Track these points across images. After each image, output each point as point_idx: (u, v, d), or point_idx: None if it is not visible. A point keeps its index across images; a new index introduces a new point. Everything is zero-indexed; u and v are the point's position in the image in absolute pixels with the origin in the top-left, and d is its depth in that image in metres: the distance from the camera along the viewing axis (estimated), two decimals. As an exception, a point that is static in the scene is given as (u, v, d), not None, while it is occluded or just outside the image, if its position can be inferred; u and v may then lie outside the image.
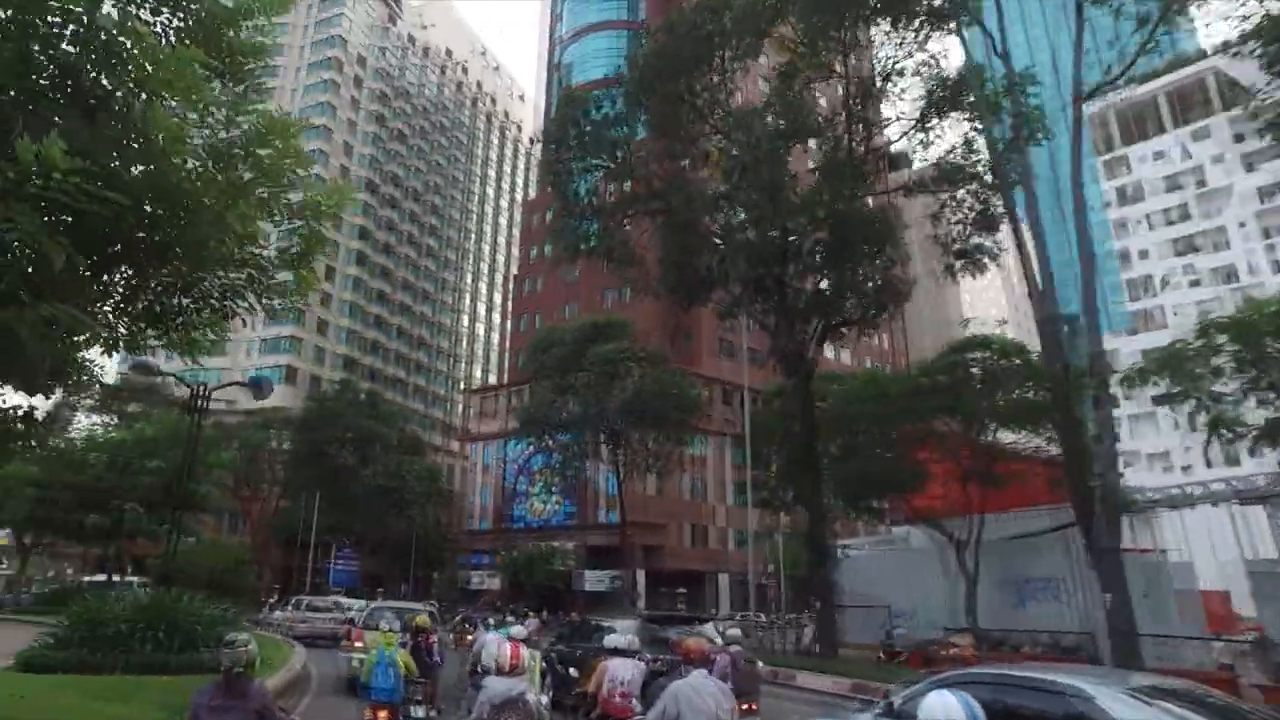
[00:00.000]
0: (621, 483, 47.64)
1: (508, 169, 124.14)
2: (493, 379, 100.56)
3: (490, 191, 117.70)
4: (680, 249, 25.17)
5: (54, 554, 50.40)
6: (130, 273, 8.91)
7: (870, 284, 22.95)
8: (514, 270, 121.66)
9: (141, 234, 8.35)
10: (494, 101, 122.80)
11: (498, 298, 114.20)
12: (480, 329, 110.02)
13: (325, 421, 51.75)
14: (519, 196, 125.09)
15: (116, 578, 37.20)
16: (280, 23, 72.41)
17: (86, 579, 44.04)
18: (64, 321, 7.64)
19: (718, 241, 24.58)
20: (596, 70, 75.06)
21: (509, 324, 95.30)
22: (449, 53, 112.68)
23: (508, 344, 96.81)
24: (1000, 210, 22.41)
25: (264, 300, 9.68)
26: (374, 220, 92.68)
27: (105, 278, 8.92)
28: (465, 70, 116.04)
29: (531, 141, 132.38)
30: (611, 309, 67.80)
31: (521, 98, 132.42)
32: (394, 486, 49.73)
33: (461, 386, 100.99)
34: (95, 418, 53.48)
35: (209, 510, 34.23)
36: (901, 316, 26.18)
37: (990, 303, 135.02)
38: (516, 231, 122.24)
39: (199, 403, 16.75)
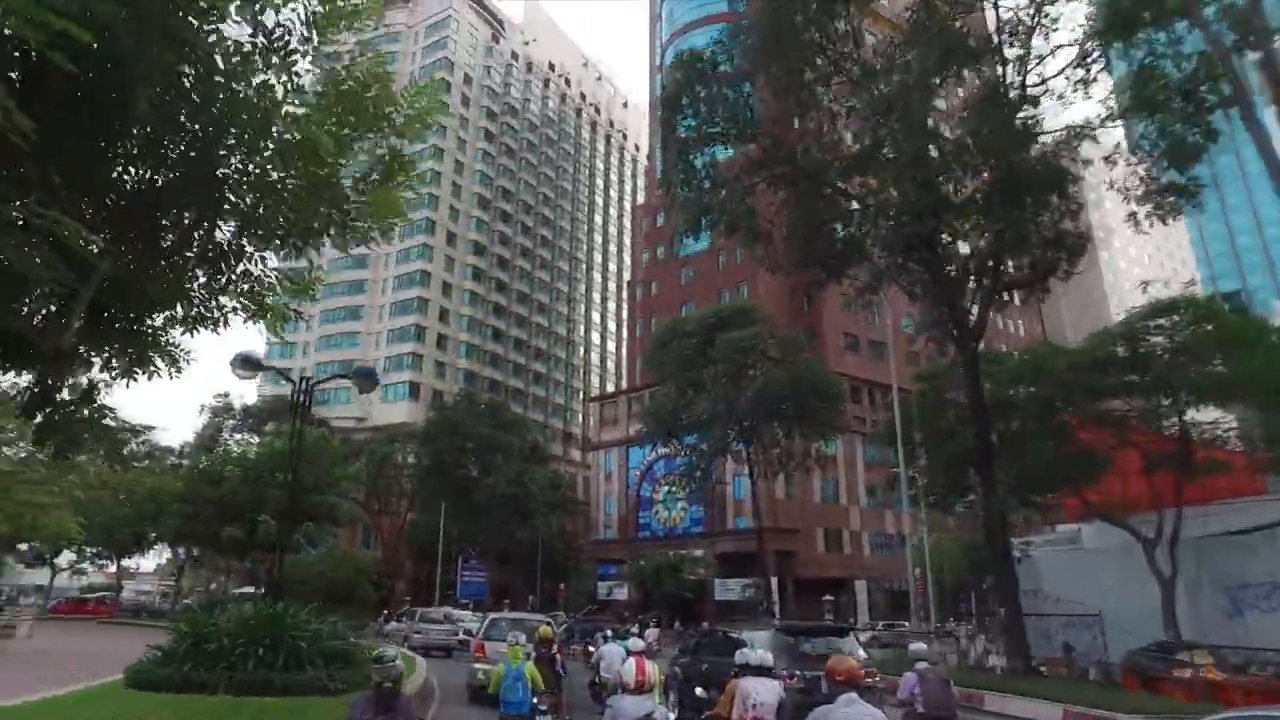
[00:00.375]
0: (757, 483, 44.57)
1: (615, 177, 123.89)
2: (613, 387, 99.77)
3: (600, 200, 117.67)
4: (812, 218, 22.51)
5: (211, 567, 52.62)
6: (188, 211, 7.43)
7: (1042, 236, 19.57)
8: (628, 277, 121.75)
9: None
10: (599, 110, 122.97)
11: (613, 305, 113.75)
12: (597, 337, 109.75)
13: (447, 432, 51.73)
14: (629, 204, 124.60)
15: (261, 590, 38.31)
16: (391, 50, 74.42)
17: (236, 591, 45.65)
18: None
19: (855, 207, 21.74)
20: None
21: (626, 331, 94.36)
22: (553, 66, 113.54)
23: (625, 350, 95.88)
24: (1197, 138, 18.63)
25: (347, 235, 8.06)
26: (488, 235, 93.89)
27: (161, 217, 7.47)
28: (570, 82, 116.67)
29: (637, 148, 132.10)
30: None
31: (626, 104, 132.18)
32: (517, 495, 48.88)
33: (582, 395, 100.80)
34: (240, 436, 55.79)
35: (338, 522, 34.17)
36: (1038, 300, 22.35)
37: (1137, 280, 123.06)
38: (629, 239, 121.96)
39: (300, 397, 15.62)
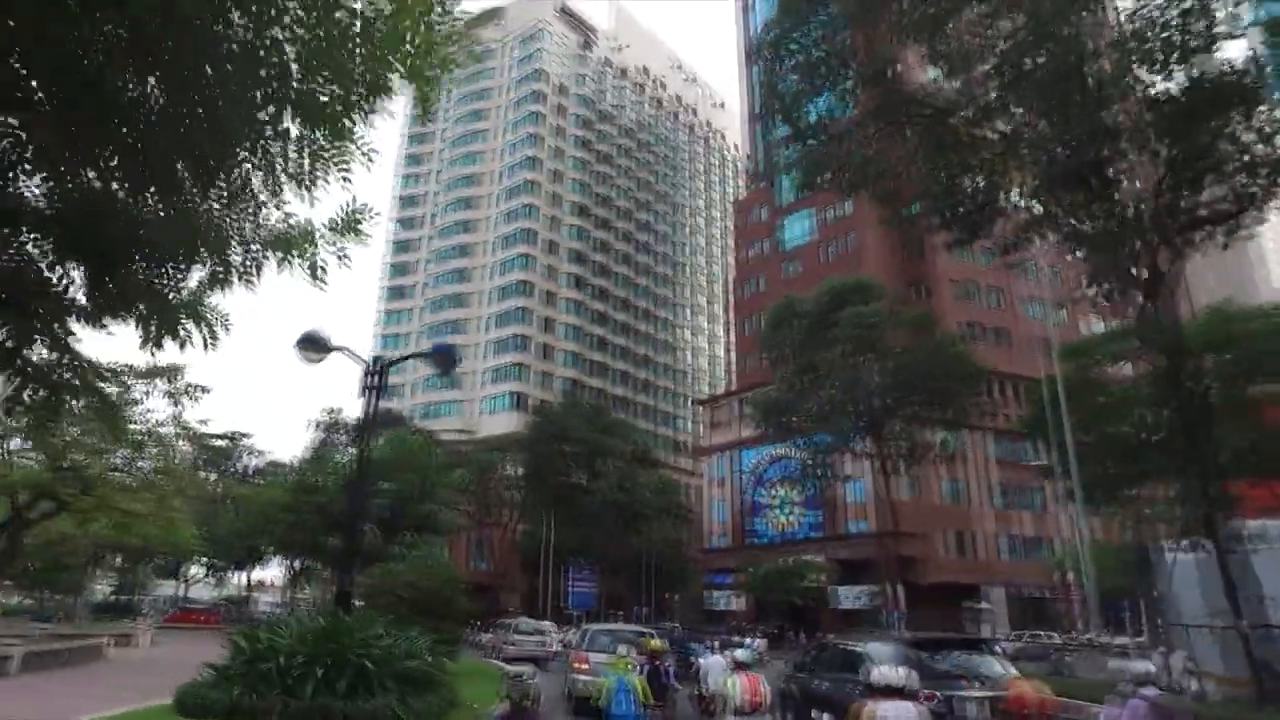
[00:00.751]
0: (887, 478, 40.43)
1: (714, 178, 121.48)
2: (720, 390, 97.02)
3: (700, 203, 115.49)
4: (947, 167, 19.42)
5: (319, 579, 53.21)
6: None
7: (1236, 161, 15.89)
8: (732, 275, 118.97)
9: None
10: (694, 112, 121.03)
11: (718, 309, 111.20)
12: (704, 341, 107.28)
13: (549, 437, 50.28)
14: (729, 204, 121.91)
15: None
16: (486, 67, 74.81)
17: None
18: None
19: (995, 153, 18.48)
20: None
21: (732, 331, 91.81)
22: (645, 70, 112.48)
23: (733, 352, 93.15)
24: None
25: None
26: (588, 242, 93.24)
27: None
28: (662, 85, 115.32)
29: (736, 148, 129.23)
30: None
31: (722, 105, 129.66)
32: (625, 500, 46.81)
33: (689, 401, 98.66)
34: (351, 450, 56.19)
35: (439, 530, 33.13)
36: (1230, 240, 18.18)
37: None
38: (730, 240, 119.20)
39: (374, 380, 14.00)
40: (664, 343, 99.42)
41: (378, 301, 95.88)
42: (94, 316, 6.46)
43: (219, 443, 54.34)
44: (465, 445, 62.18)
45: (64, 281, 5.96)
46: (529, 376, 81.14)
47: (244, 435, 57.49)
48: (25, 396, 6.75)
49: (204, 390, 24.18)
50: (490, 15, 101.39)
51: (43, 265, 5.95)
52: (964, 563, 51.68)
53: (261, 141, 5.72)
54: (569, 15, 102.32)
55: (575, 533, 51.32)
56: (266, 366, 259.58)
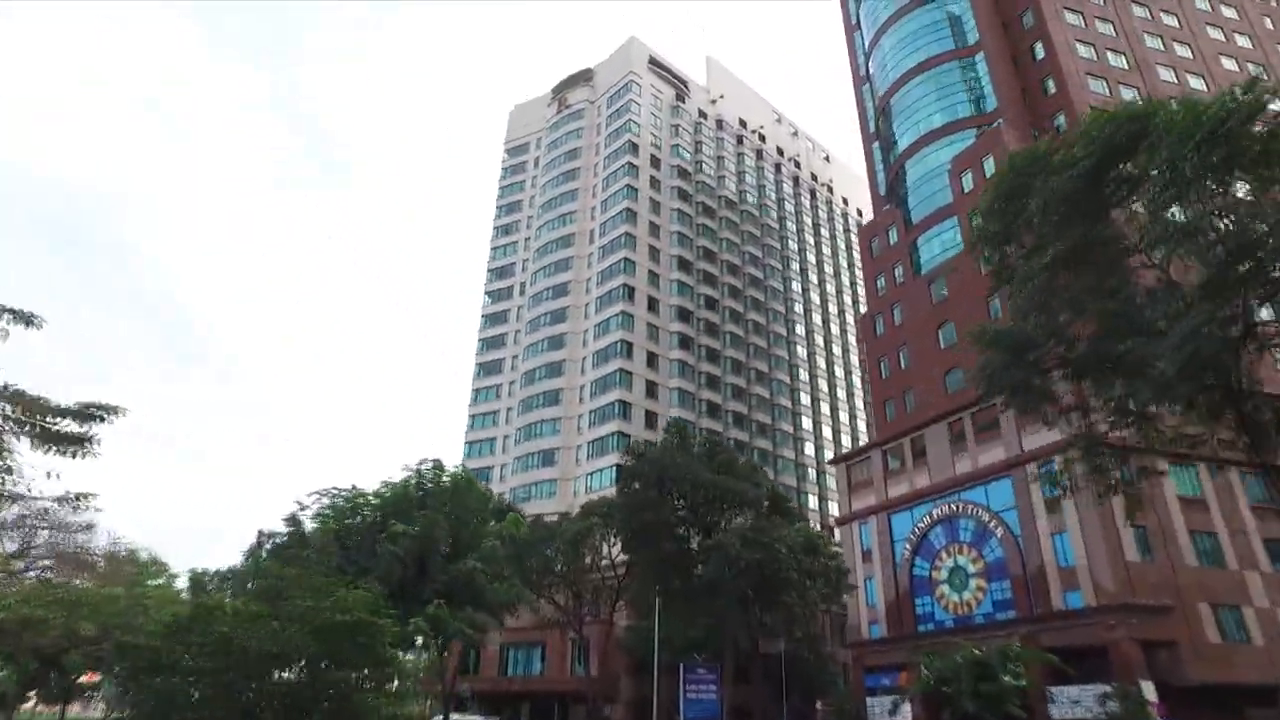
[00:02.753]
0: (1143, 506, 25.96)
1: (826, 233, 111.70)
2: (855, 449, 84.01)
3: (812, 258, 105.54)
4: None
5: None
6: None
7: None
8: (860, 312, 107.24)
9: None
10: (798, 165, 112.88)
11: (840, 368, 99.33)
12: (825, 408, 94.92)
13: (651, 482, 38.65)
14: (842, 260, 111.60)
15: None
16: (576, 127, 69.53)
17: None
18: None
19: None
20: (935, 118, 60.97)
21: (868, 376, 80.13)
22: (743, 122, 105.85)
23: (869, 399, 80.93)
24: None
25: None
26: (692, 299, 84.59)
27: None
28: (763, 137, 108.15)
29: (845, 201, 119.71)
30: (1006, 321, 49.62)
31: (828, 158, 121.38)
32: (759, 560, 34.07)
33: (812, 471, 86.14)
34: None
35: (484, 603, 23.69)
36: None
37: None
38: (847, 297, 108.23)
39: None
40: (785, 408, 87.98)
41: (473, 379, 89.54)
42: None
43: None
44: (555, 520, 52.66)
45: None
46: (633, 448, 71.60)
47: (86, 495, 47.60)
48: None
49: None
50: (580, 77, 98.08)
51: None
52: (1242, 650, 36.80)
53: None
54: (659, 68, 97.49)
55: (692, 617, 40.25)
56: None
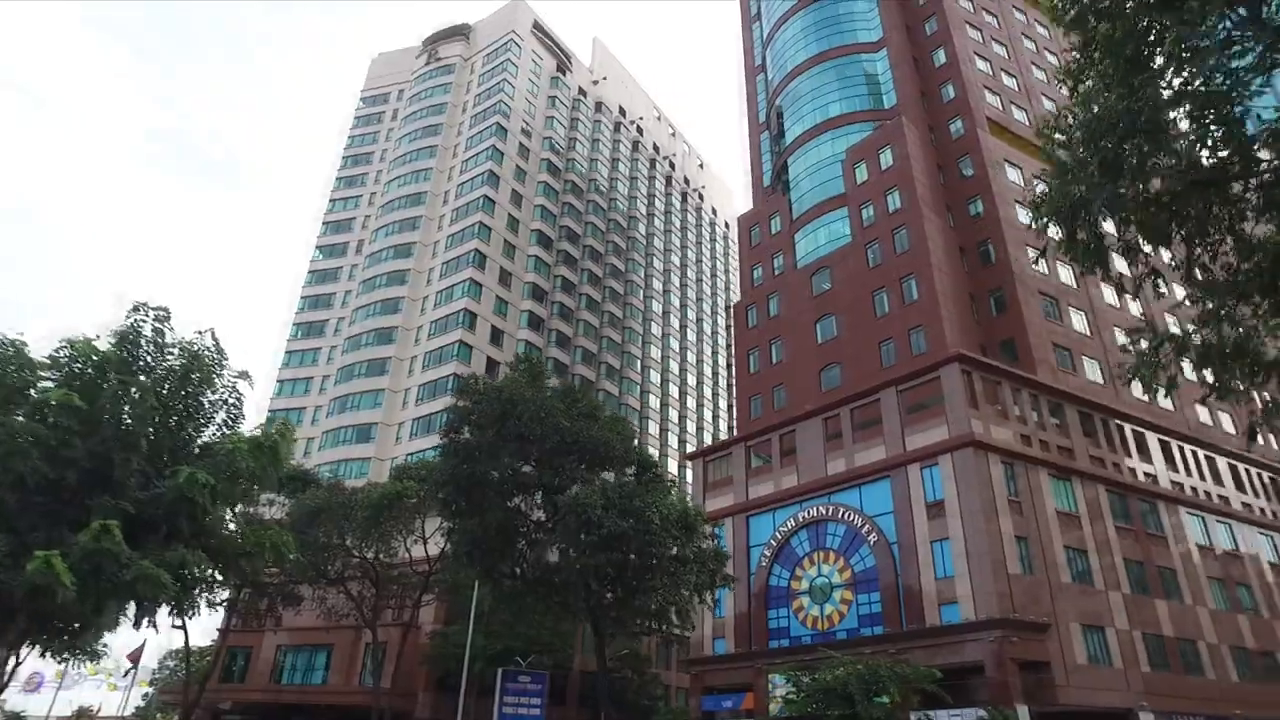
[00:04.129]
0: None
1: (693, 238, 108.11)
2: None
3: (676, 260, 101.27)
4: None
5: None
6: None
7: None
8: (717, 320, 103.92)
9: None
10: (673, 165, 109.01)
11: (692, 375, 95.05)
12: (673, 408, 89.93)
13: (488, 428, 29.82)
14: (707, 267, 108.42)
15: None
16: (446, 82, 61.91)
17: None
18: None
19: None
20: (832, 107, 57.85)
21: (735, 368, 76.32)
22: (624, 110, 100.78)
23: (733, 400, 76.65)
24: None
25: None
26: (548, 278, 77.50)
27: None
28: (641, 130, 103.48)
29: (715, 211, 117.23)
30: (892, 322, 46.33)
31: (702, 165, 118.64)
32: (626, 530, 25.78)
33: (673, 459, 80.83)
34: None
35: (216, 552, 15.62)
36: None
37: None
38: (707, 305, 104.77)
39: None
40: (631, 408, 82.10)
41: (287, 340, 77.71)
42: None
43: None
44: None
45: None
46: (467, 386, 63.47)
47: None
48: None
49: None
50: (457, 31, 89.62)
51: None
52: (1101, 673, 33.82)
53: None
54: (543, 35, 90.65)
55: (522, 612, 32.62)
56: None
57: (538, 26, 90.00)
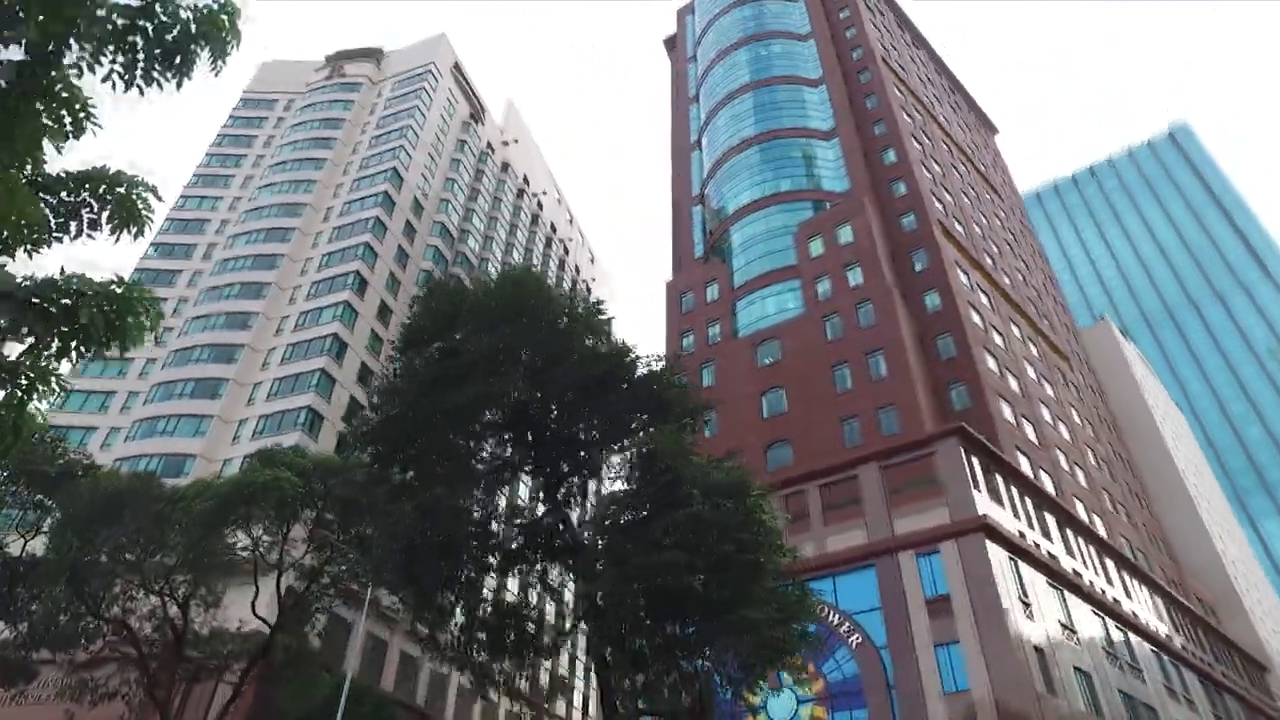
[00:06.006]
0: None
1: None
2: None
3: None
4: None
5: None
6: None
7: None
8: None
9: None
10: (566, 250, 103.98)
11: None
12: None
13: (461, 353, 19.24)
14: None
15: None
16: (347, 98, 54.54)
17: None
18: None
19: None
20: (781, 183, 56.28)
21: None
22: (527, 180, 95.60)
23: None
24: None
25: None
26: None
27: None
28: (541, 205, 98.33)
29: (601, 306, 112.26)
30: (856, 399, 41.47)
31: (592, 259, 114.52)
32: (725, 519, 15.72)
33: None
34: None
35: None
36: None
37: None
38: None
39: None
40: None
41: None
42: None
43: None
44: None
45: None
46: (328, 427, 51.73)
47: None
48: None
49: None
50: (368, 53, 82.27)
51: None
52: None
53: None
54: (462, 78, 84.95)
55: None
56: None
57: (458, 68, 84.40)
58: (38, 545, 31.91)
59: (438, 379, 19.56)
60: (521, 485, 49.00)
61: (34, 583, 28.99)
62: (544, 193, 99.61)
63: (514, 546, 20.93)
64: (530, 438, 21.32)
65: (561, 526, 20.38)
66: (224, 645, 29.38)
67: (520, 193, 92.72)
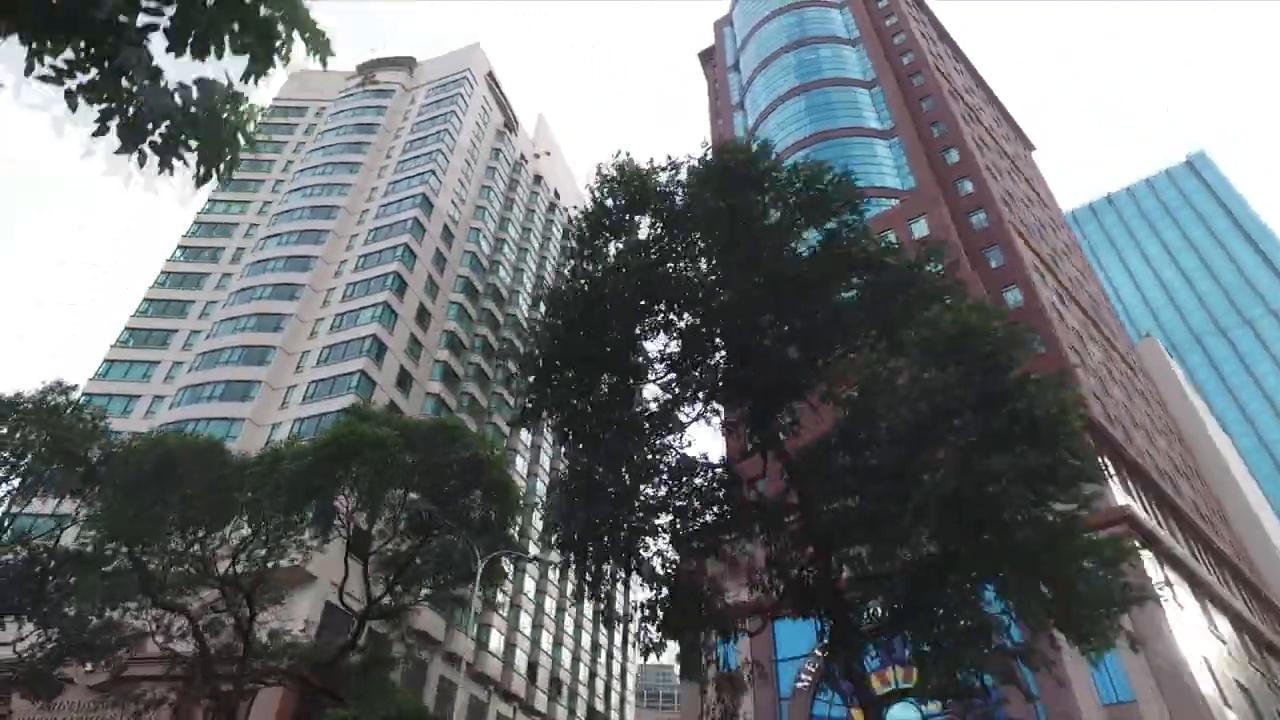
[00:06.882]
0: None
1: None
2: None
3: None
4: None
5: None
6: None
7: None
8: None
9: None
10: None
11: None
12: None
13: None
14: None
15: None
16: (380, 104, 52.88)
17: None
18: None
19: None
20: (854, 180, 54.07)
21: None
22: (557, 194, 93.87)
23: None
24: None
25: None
26: (469, 334, 65.45)
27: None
28: (571, 220, 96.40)
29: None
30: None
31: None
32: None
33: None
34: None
35: None
36: None
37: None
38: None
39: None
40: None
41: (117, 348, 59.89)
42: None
43: None
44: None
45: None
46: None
47: None
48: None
49: None
50: (400, 62, 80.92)
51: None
52: None
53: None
54: (496, 87, 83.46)
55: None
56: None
57: (492, 77, 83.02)
58: (68, 539, 29.01)
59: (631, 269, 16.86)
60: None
61: (68, 573, 26.01)
62: (576, 207, 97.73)
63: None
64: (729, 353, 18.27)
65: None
66: (284, 653, 26.05)
67: (551, 206, 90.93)
